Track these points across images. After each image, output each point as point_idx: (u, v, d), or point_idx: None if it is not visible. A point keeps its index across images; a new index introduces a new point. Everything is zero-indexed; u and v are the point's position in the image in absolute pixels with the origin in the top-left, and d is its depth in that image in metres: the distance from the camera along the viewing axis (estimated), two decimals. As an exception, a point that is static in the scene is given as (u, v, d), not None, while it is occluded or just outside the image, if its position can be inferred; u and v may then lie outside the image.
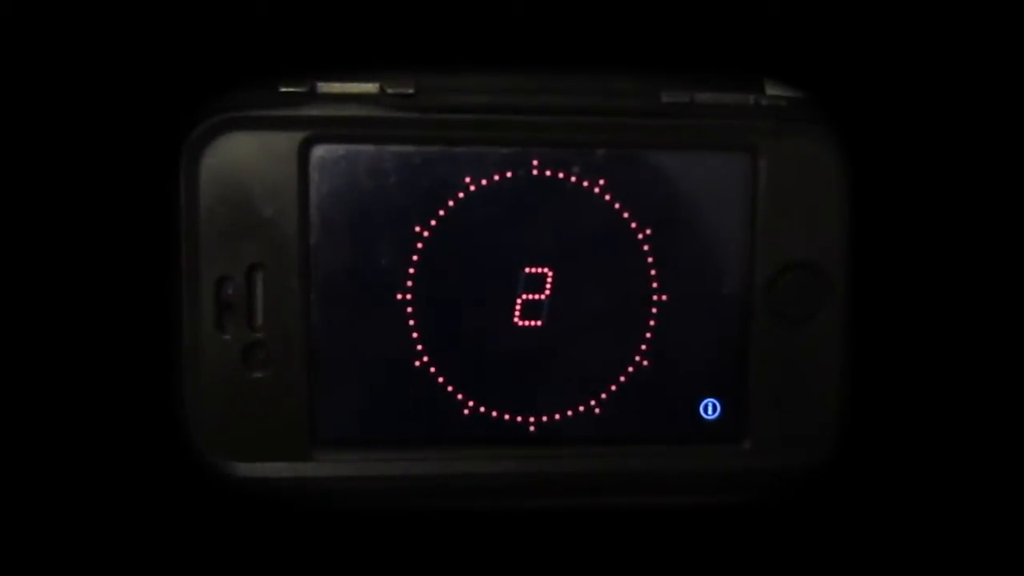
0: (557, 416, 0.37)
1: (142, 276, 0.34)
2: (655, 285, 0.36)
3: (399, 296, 0.36)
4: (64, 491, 0.34)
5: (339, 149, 0.35)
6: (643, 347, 0.37)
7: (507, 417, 0.37)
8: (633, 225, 0.36)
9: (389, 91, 0.34)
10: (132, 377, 0.34)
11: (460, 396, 0.36)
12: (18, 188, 0.33)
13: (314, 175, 0.35)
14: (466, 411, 0.36)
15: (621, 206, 0.36)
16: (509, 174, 0.36)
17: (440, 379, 0.36)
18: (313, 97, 0.34)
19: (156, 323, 0.34)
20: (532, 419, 0.37)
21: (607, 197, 0.36)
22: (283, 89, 0.34)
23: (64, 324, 0.34)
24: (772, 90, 0.36)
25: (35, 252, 0.33)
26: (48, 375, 0.34)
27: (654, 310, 0.37)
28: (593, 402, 0.37)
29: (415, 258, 0.35)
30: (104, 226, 0.34)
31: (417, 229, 0.35)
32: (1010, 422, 0.36)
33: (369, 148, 0.35)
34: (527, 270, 0.36)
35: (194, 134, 0.34)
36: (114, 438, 0.34)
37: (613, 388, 0.37)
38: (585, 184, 0.36)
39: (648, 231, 0.36)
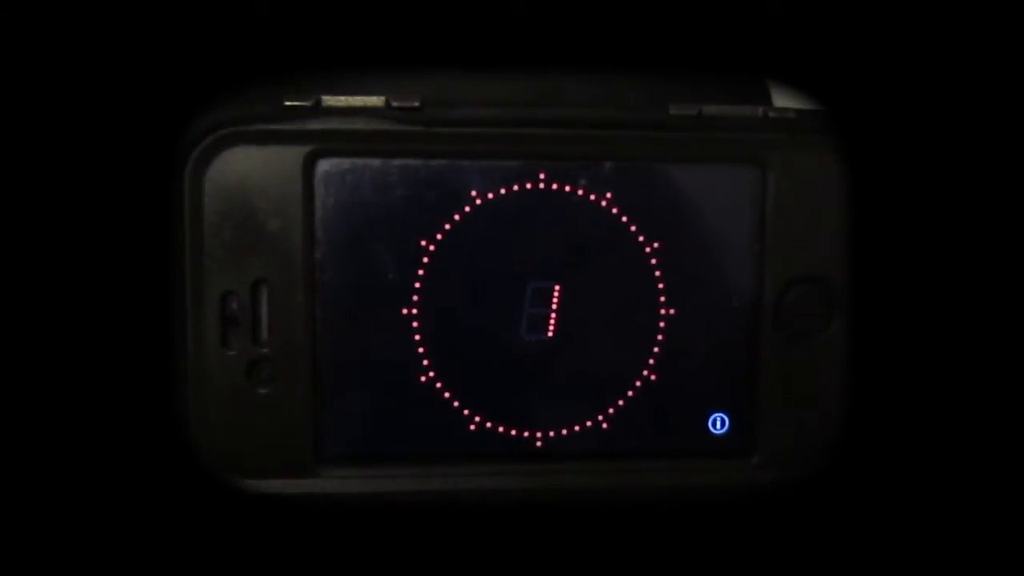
0: (564, 431, 0.37)
1: (147, 291, 0.34)
2: (663, 299, 0.36)
3: (405, 310, 0.35)
4: (67, 508, 0.34)
5: (344, 163, 0.35)
6: (651, 361, 0.36)
7: (514, 432, 0.36)
8: (641, 238, 0.36)
9: (395, 104, 0.34)
10: (137, 393, 0.34)
11: (466, 411, 0.36)
12: (21, 201, 0.33)
13: (319, 189, 0.34)
14: (472, 426, 0.36)
15: (628, 219, 0.36)
16: (516, 187, 0.35)
17: (446, 394, 0.36)
18: (318, 110, 0.34)
19: (161, 338, 0.34)
20: (539, 434, 0.37)
21: (614, 210, 0.36)
22: (288, 102, 0.34)
23: (69, 338, 0.33)
24: (780, 102, 0.36)
25: (37, 266, 0.33)
26: (52, 391, 0.33)
27: (662, 324, 0.36)
28: (600, 417, 0.37)
29: (421, 272, 0.35)
30: (108, 241, 0.33)
31: (423, 243, 0.35)
32: (1019, 434, 0.36)
33: (375, 161, 0.35)
34: (534, 284, 0.36)
35: (198, 148, 0.34)
36: (119, 454, 0.34)
37: (621, 403, 0.37)
38: (592, 197, 0.36)
39: (656, 244, 0.36)
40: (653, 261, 0.36)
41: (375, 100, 0.34)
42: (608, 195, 0.36)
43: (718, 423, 0.37)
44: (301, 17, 0.34)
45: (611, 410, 0.37)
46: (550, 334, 0.36)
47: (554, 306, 0.36)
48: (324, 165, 0.34)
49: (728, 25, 0.35)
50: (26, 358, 0.33)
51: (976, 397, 0.36)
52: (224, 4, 0.33)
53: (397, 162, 0.35)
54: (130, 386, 0.34)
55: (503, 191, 0.35)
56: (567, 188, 0.35)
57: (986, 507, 0.36)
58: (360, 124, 0.34)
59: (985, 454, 0.36)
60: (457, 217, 0.35)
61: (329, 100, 0.34)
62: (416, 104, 0.34)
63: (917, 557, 0.36)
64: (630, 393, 0.37)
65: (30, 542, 0.33)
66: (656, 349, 0.36)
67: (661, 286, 0.36)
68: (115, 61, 0.33)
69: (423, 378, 0.36)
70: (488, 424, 0.36)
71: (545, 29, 0.35)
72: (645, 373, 0.36)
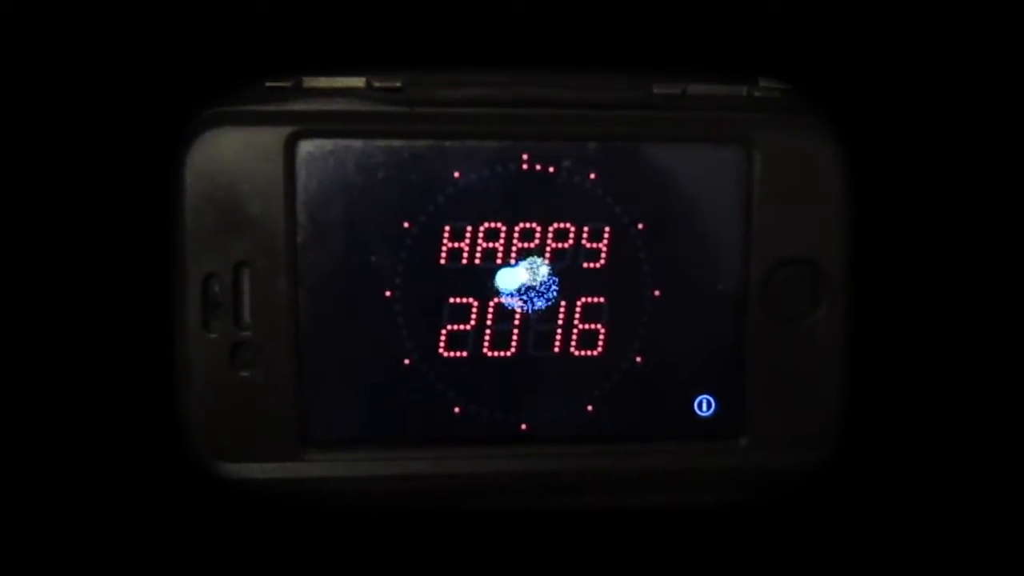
0: (550, 414, 0.36)
1: (128, 274, 0.34)
2: (648, 281, 0.36)
3: (388, 293, 0.35)
4: (50, 493, 0.34)
5: (326, 144, 0.34)
6: (637, 344, 0.36)
7: (499, 416, 0.36)
8: (625, 220, 0.36)
9: (376, 85, 0.34)
10: (120, 378, 0.34)
11: (451, 395, 0.36)
12: (2, 186, 0.33)
13: (301, 171, 0.34)
14: (457, 410, 0.36)
15: (613, 200, 0.36)
16: (499, 168, 0.35)
17: (430, 377, 0.36)
18: (299, 92, 0.34)
19: (143, 322, 0.34)
20: (524, 417, 0.36)
21: (599, 191, 0.35)
22: (269, 84, 0.34)
23: (51, 324, 0.33)
24: (766, 82, 0.36)
25: (20, 251, 0.33)
26: (35, 376, 0.33)
27: (648, 306, 0.36)
28: (586, 400, 0.36)
29: (404, 254, 0.35)
30: (90, 224, 0.33)
31: (406, 225, 0.35)
32: (1010, 420, 0.36)
33: (356, 143, 0.34)
34: (518, 267, 0.35)
35: (179, 130, 0.33)
36: (103, 439, 0.34)
37: (607, 385, 0.36)
38: (576, 178, 0.35)
39: (640, 226, 0.36)
40: (638, 242, 0.36)
41: (356, 81, 0.34)
42: (592, 176, 0.35)
43: (704, 405, 0.37)
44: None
45: (597, 393, 0.36)
46: (535, 317, 0.36)
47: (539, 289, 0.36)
48: (306, 146, 0.34)
49: (716, 17, 0.35)
50: (7, 343, 0.33)
51: (969, 379, 0.36)
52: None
53: (379, 143, 0.34)
54: (112, 371, 0.34)
55: (486, 172, 0.35)
56: (551, 169, 0.35)
57: (981, 494, 0.36)
58: (341, 105, 0.34)
59: (979, 439, 0.36)
60: (440, 199, 0.35)
61: (310, 81, 0.34)
62: (398, 85, 0.34)
63: (907, 542, 0.36)
64: (616, 376, 0.36)
65: (12, 525, 0.33)
66: (642, 331, 0.36)
67: (646, 268, 0.36)
68: (95, 45, 0.33)
69: (407, 361, 0.35)
70: (473, 407, 0.36)
71: (532, 24, 0.35)
72: (631, 355, 0.36)
